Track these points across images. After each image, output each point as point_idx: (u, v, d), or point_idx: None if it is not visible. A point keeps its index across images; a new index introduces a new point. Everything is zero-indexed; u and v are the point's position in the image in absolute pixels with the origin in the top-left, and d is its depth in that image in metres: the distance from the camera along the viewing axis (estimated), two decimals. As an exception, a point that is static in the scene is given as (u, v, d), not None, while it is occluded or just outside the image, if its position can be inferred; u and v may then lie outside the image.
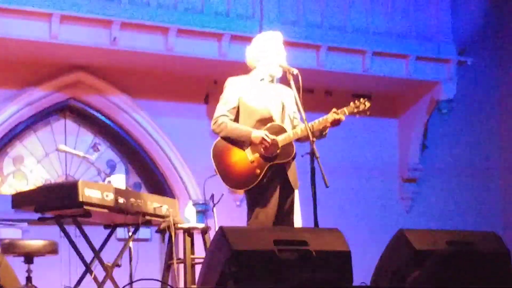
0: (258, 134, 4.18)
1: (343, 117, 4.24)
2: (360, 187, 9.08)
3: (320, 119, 4.25)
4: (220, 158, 4.25)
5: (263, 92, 4.34)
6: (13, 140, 7.98)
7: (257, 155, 4.20)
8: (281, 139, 4.21)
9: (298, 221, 4.46)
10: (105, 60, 7.70)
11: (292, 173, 4.29)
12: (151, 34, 7.51)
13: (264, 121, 4.28)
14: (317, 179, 4.07)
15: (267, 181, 4.21)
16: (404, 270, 3.43)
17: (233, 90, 4.34)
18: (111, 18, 7.27)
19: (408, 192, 9.40)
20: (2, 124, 7.65)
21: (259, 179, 4.16)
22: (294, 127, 4.34)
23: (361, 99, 4.35)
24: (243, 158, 4.21)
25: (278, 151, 4.20)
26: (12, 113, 7.71)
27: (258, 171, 4.17)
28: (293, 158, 4.33)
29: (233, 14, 7.97)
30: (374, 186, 9.17)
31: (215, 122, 4.29)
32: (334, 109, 4.27)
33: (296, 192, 4.37)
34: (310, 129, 4.14)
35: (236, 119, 4.32)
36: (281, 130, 4.25)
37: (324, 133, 4.32)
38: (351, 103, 4.33)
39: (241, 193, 4.70)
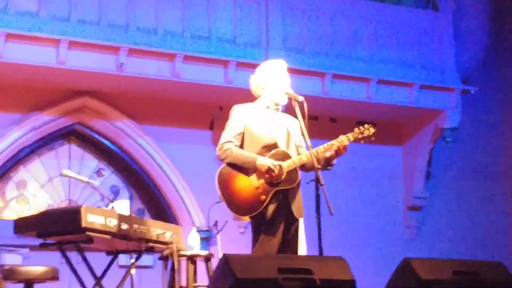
0: (263, 162, 4.16)
1: (346, 142, 4.22)
2: (365, 214, 9.04)
3: (325, 145, 4.24)
4: (225, 185, 4.23)
5: (268, 119, 4.34)
6: (17, 165, 7.98)
7: (262, 181, 4.18)
8: (285, 165, 4.20)
9: (303, 249, 4.43)
10: (112, 85, 7.73)
11: (296, 202, 4.26)
12: (157, 60, 7.55)
13: (269, 148, 4.28)
14: (322, 207, 4.05)
15: (272, 209, 4.18)
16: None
17: (239, 117, 4.34)
18: (119, 44, 7.31)
19: (413, 220, 9.36)
20: (6, 148, 7.66)
21: (264, 205, 4.14)
22: (299, 154, 4.32)
23: (366, 125, 4.34)
24: (248, 185, 4.20)
25: (283, 177, 4.18)
26: (17, 137, 7.72)
27: (263, 197, 4.15)
28: (298, 186, 4.30)
29: (239, 41, 8.01)
30: (379, 214, 9.14)
31: (221, 148, 4.28)
32: (341, 136, 4.26)
33: (301, 220, 4.34)
34: (315, 156, 4.12)
35: (242, 146, 4.32)
36: (285, 156, 4.24)
37: (331, 163, 4.30)
38: (356, 129, 4.32)
39: (246, 220, 4.66)
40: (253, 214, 4.17)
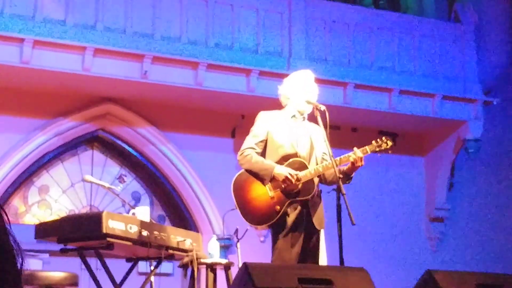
0: (281, 171, 4.14)
1: (361, 155, 4.18)
2: (386, 225, 8.98)
3: (342, 156, 4.22)
4: (240, 193, 4.22)
5: (292, 129, 4.33)
6: (40, 170, 8.03)
7: (277, 191, 4.17)
8: (302, 175, 4.18)
9: (323, 260, 4.39)
10: (135, 92, 7.77)
11: (318, 213, 4.24)
12: (181, 68, 7.58)
13: (288, 158, 4.26)
14: (343, 217, 4.02)
15: (292, 219, 4.16)
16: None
17: (263, 124, 4.35)
18: (143, 52, 7.36)
19: (435, 231, 9.28)
20: (30, 153, 7.72)
21: (278, 216, 4.12)
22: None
23: (384, 138, 4.32)
24: (263, 194, 4.18)
25: (299, 187, 4.16)
26: (40, 142, 7.78)
27: (278, 207, 4.14)
28: (319, 197, 4.28)
29: (262, 51, 8.03)
30: (400, 225, 9.07)
31: (241, 154, 4.28)
32: (355, 148, 4.24)
33: (322, 231, 4.31)
34: (336, 165, 4.10)
35: (263, 154, 4.31)
36: (302, 166, 4.22)
37: (350, 177, 4.27)
38: (373, 142, 4.30)
39: (260, 229, 4.65)
40: (267, 224, 4.15)
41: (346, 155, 4.22)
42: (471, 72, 9.03)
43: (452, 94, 8.79)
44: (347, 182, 4.27)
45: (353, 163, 4.17)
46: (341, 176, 4.08)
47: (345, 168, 4.22)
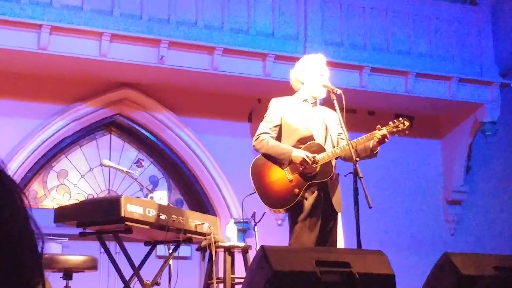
0: (298, 154, 4.16)
1: (386, 132, 4.19)
2: (404, 208, 8.97)
3: (363, 136, 4.23)
4: (258, 177, 4.24)
5: (305, 112, 4.34)
6: (58, 155, 8.10)
7: (296, 174, 4.18)
8: (320, 157, 4.19)
9: (340, 243, 4.41)
10: (152, 77, 7.80)
11: (336, 196, 4.25)
12: (197, 53, 7.59)
13: (304, 141, 4.28)
14: (360, 200, 4.03)
15: (310, 202, 4.18)
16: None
17: (276, 109, 4.36)
18: (159, 37, 7.38)
19: (452, 214, 9.26)
20: (49, 138, 7.79)
21: (297, 199, 4.14)
22: (336, 146, 4.32)
23: (400, 119, 4.32)
24: (281, 177, 4.20)
25: (317, 170, 4.17)
26: (59, 127, 7.84)
27: (296, 190, 4.15)
28: (337, 179, 4.29)
29: (277, 35, 8.01)
30: (418, 208, 9.07)
31: (257, 139, 4.30)
32: (378, 126, 4.26)
33: (339, 214, 4.33)
34: (353, 147, 4.11)
35: (279, 139, 4.33)
36: (320, 149, 4.23)
37: (375, 152, 4.28)
38: (390, 123, 4.30)
39: (279, 213, 4.67)
40: (286, 207, 4.17)
41: (364, 136, 4.23)
42: (488, 55, 8.96)
43: (469, 76, 8.74)
44: (374, 155, 4.30)
45: (379, 141, 4.17)
46: (357, 159, 4.10)
47: (370, 143, 4.23)
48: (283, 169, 4.21)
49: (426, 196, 9.15)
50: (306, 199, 4.17)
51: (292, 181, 4.17)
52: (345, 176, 4.23)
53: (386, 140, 4.20)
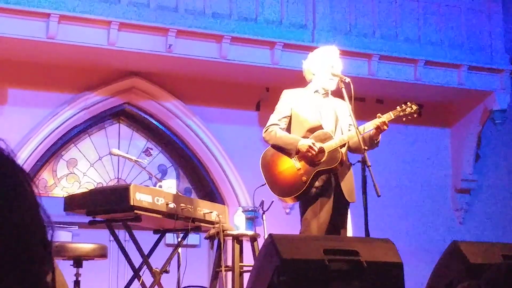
0: (305, 142, 4.19)
1: (385, 119, 4.19)
2: (412, 197, 8.97)
3: (366, 124, 4.24)
4: (268, 167, 4.27)
5: (315, 103, 4.35)
6: (68, 143, 8.13)
7: (303, 162, 4.20)
8: (327, 145, 4.20)
9: (349, 232, 4.43)
10: (160, 66, 7.80)
11: (347, 185, 4.26)
12: (205, 42, 7.59)
13: (313, 131, 4.29)
14: (368, 188, 4.03)
15: (320, 190, 4.19)
16: (458, 284, 3.35)
17: (286, 100, 4.40)
18: (167, 26, 7.38)
19: (461, 203, 9.25)
20: (58, 127, 7.81)
21: (305, 186, 4.16)
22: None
23: (408, 103, 4.32)
24: (290, 166, 4.23)
25: (324, 157, 4.18)
26: (68, 116, 7.86)
27: (304, 178, 4.17)
28: (348, 168, 4.30)
29: (286, 23, 7.99)
30: (426, 197, 9.05)
31: (266, 131, 4.35)
32: (378, 114, 4.26)
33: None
34: (361, 136, 4.12)
35: (289, 130, 4.36)
36: (327, 137, 4.25)
37: (376, 142, 4.29)
38: (398, 107, 4.30)
39: (289, 202, 4.68)
40: (295, 195, 4.19)
41: (370, 122, 4.23)
42: (498, 42, 8.90)
43: (479, 64, 8.69)
44: (374, 147, 4.30)
45: (376, 129, 4.18)
46: (366, 148, 4.10)
47: (371, 132, 4.24)
48: (291, 158, 4.23)
49: (435, 185, 9.14)
50: (315, 187, 4.18)
51: (300, 170, 4.19)
52: (353, 164, 4.23)
53: (385, 128, 4.19)
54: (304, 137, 4.25)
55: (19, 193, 0.73)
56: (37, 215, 0.74)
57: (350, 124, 4.35)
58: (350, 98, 4.21)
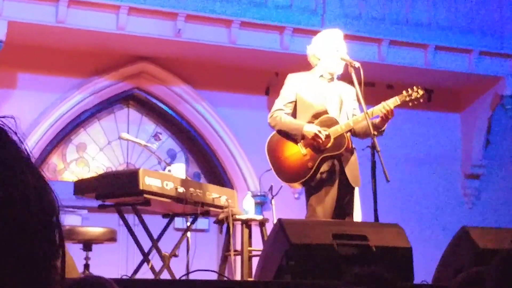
0: (310, 129, 4.17)
1: (391, 106, 4.16)
2: (422, 182, 8.95)
3: (372, 109, 4.22)
4: (274, 153, 4.27)
5: (320, 88, 4.33)
6: (77, 128, 8.15)
7: (309, 148, 4.20)
8: (332, 131, 4.19)
9: (358, 217, 4.42)
10: (169, 51, 7.79)
11: (351, 170, 4.25)
12: (214, 27, 7.57)
13: (318, 116, 4.28)
14: (377, 174, 4.03)
15: (325, 176, 4.18)
16: (467, 269, 3.35)
17: (291, 85, 4.38)
18: (177, 11, 7.36)
19: (471, 188, 9.22)
20: (67, 111, 7.83)
21: (311, 172, 4.15)
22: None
23: (414, 87, 4.30)
24: (296, 152, 4.22)
25: (330, 143, 4.17)
26: (77, 101, 7.88)
27: (310, 164, 4.17)
28: (352, 153, 4.28)
29: (295, 8, 7.95)
30: (436, 182, 9.03)
31: (271, 116, 4.34)
32: (382, 103, 4.23)
33: (356, 189, 4.32)
34: (370, 122, 4.11)
35: (294, 115, 4.34)
36: (333, 122, 4.24)
37: (381, 130, 4.27)
38: (404, 92, 4.28)
39: (296, 187, 4.68)
40: (301, 181, 4.19)
41: (377, 107, 4.21)
42: (509, 27, 8.83)
43: (489, 49, 8.63)
44: (380, 133, 4.27)
45: (382, 117, 4.16)
46: (375, 133, 4.09)
47: (376, 121, 4.22)
48: (296, 144, 4.22)
49: (444, 170, 9.11)
50: (321, 172, 4.18)
51: (306, 155, 4.19)
52: (363, 150, 4.22)
53: (391, 116, 4.16)
54: (309, 122, 4.24)
55: (20, 175, 0.72)
56: (43, 199, 0.73)
57: (354, 108, 4.34)
58: (360, 83, 4.19)
